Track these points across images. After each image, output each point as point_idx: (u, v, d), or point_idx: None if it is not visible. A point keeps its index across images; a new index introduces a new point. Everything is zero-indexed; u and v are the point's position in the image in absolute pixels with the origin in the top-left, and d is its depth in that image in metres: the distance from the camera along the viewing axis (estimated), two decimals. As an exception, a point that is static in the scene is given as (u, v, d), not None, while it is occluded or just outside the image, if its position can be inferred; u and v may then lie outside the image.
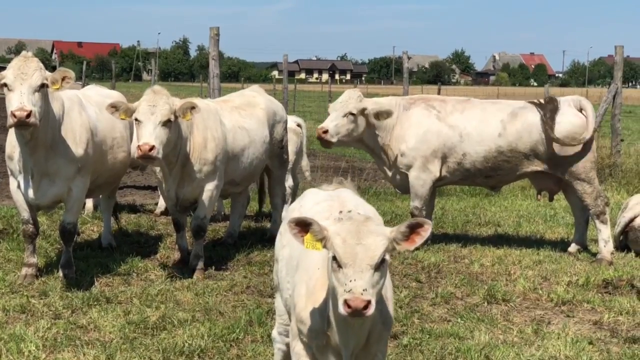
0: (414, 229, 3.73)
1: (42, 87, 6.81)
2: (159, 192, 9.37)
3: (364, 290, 3.49)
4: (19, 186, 7.37)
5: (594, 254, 9.03)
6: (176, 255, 8.37)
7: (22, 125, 6.65)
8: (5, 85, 6.78)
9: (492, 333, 6.30)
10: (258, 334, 6.09)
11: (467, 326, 6.44)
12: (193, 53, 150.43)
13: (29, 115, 6.58)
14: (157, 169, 7.88)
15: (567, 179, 8.92)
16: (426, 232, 3.73)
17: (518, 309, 7.03)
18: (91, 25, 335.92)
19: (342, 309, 3.50)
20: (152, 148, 7.00)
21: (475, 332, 6.27)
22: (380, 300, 3.86)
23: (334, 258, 3.61)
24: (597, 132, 9.28)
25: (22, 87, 6.68)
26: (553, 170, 8.94)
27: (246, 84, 37.84)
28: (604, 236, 8.85)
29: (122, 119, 7.44)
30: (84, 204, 7.67)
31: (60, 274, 7.53)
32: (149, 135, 7.10)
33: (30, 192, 7.30)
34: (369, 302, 3.47)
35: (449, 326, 6.43)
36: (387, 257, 3.65)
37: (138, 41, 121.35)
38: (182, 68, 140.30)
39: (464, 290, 7.51)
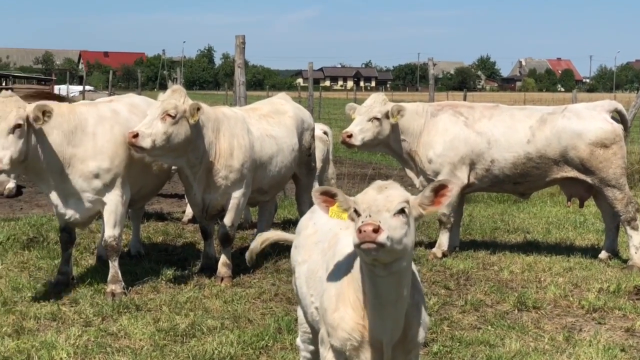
0: (438, 191, 3.77)
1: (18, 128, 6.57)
2: (186, 200, 9.41)
3: (378, 222, 3.47)
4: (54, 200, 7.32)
5: (625, 261, 8.93)
6: (203, 263, 8.38)
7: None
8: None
9: (523, 341, 6.24)
10: (287, 341, 6.08)
11: (498, 334, 6.39)
12: (218, 61, 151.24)
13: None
14: (185, 174, 7.89)
15: (597, 185, 8.84)
16: (450, 192, 3.75)
17: (549, 317, 6.97)
18: (117, 35, 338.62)
19: (355, 239, 3.47)
20: (135, 135, 7.08)
21: (505, 340, 6.21)
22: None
23: (355, 210, 3.65)
24: (627, 138, 9.18)
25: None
26: (583, 176, 8.86)
27: (271, 92, 37.91)
28: (635, 242, 8.76)
29: None
30: (124, 216, 7.59)
31: (108, 289, 7.38)
32: (142, 124, 7.21)
33: (62, 210, 7.32)
34: (379, 226, 3.43)
35: (479, 334, 6.38)
36: (409, 211, 3.62)
37: (163, 50, 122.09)
38: (207, 76, 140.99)
39: (493, 298, 7.46)
